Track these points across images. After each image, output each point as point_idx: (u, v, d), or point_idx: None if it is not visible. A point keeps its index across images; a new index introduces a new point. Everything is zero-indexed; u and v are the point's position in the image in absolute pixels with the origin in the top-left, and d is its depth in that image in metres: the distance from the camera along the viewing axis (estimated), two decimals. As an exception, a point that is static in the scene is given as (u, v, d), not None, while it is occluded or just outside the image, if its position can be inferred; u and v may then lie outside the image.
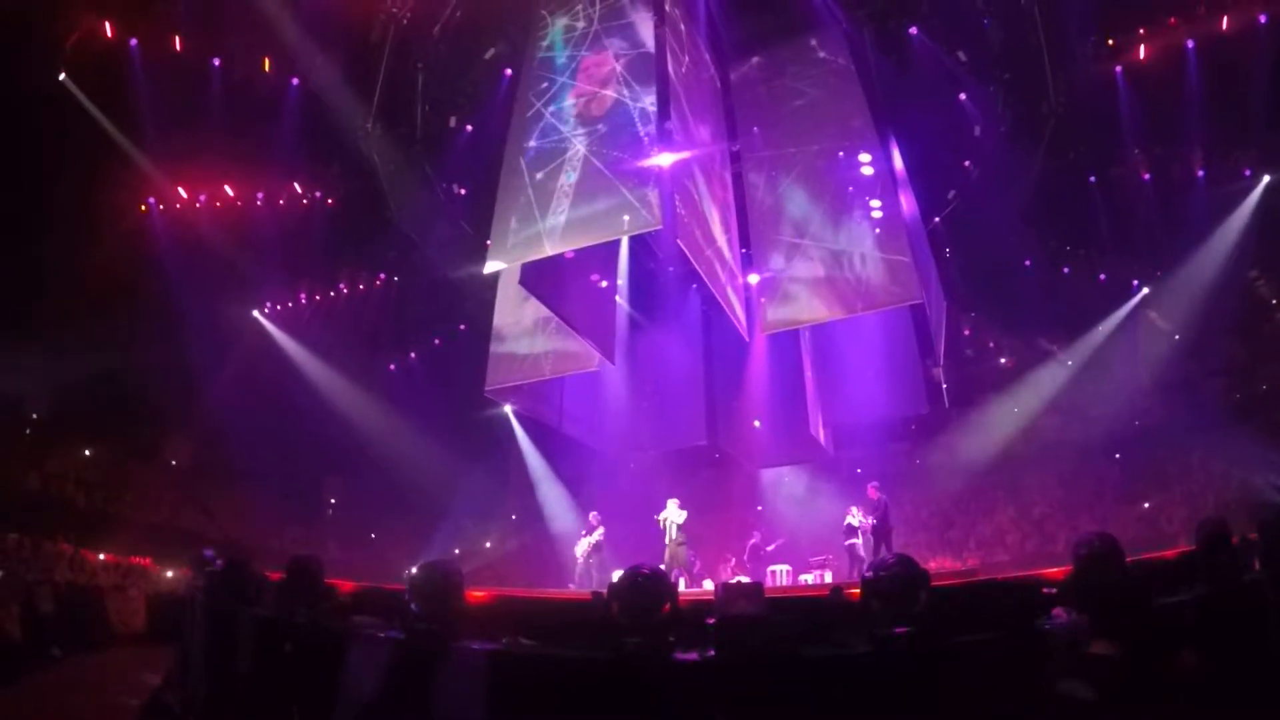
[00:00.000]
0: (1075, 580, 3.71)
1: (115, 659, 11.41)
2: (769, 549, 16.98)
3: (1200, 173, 16.19)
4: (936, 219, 17.09)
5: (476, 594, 9.58)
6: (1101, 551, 3.65)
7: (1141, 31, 14.79)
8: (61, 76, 14.08)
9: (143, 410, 18.52)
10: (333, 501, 22.47)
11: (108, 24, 14.19)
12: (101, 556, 14.21)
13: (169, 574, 14.97)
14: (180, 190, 16.59)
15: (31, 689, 8.86)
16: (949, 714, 3.00)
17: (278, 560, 6.31)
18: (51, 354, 15.79)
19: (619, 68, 12.39)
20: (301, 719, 4.25)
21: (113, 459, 18.99)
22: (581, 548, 15.81)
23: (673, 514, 15.12)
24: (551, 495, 20.75)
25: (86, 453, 18.69)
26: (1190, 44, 14.40)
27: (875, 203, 13.34)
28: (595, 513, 16.40)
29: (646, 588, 3.35)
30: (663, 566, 13.32)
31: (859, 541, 15.30)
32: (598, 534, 15.74)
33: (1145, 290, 17.92)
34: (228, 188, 16.91)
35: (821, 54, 14.82)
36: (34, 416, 17.67)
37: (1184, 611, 3.62)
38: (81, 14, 14.09)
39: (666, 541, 15.02)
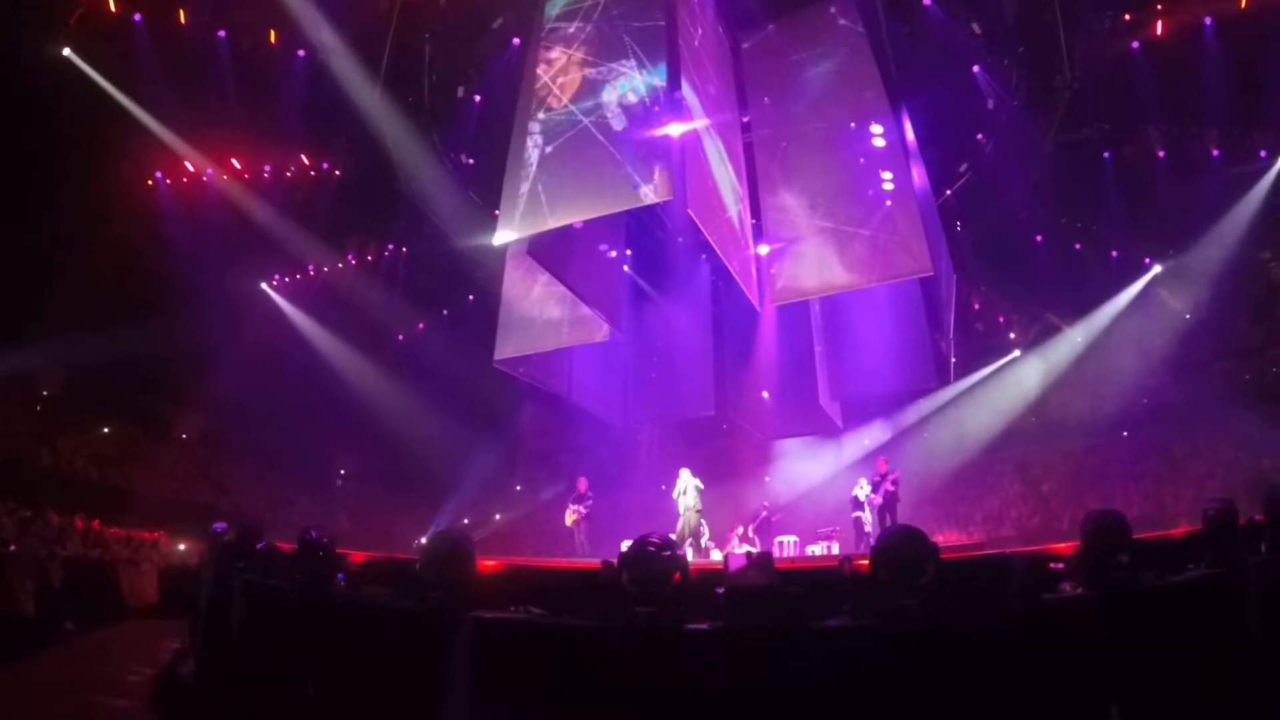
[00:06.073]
0: (1082, 556, 3.73)
1: (128, 632, 11.52)
2: (774, 519, 17.04)
3: (1215, 152, 15.93)
4: (948, 192, 16.94)
5: (487, 563, 9.67)
6: (1109, 528, 3.67)
7: (1159, 7, 14.49)
8: (65, 51, 13.98)
9: (153, 385, 18.63)
10: (342, 473, 22.60)
11: (110, -1, 14.06)
12: (114, 530, 14.29)
13: (181, 547, 15.10)
14: (187, 164, 16.51)
15: (45, 662, 8.93)
16: (956, 686, 3.02)
17: (289, 532, 6.36)
18: (61, 330, 15.83)
19: (628, 38, 12.28)
20: (314, 690, 4.30)
21: (124, 434, 19.06)
22: (570, 517, 15.84)
23: (688, 483, 15.20)
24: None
25: (100, 430, 18.77)
26: (1208, 21, 14.15)
27: (887, 175, 13.23)
28: (583, 478, 16.41)
29: (657, 558, 3.38)
30: (673, 536, 13.42)
31: (866, 514, 15.37)
32: (586, 504, 15.83)
33: (1157, 268, 17.76)
34: (235, 161, 16.85)
35: (841, 21, 14.62)
36: (45, 393, 17.72)
37: (1188, 591, 3.62)
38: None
39: (681, 510, 15.09)
